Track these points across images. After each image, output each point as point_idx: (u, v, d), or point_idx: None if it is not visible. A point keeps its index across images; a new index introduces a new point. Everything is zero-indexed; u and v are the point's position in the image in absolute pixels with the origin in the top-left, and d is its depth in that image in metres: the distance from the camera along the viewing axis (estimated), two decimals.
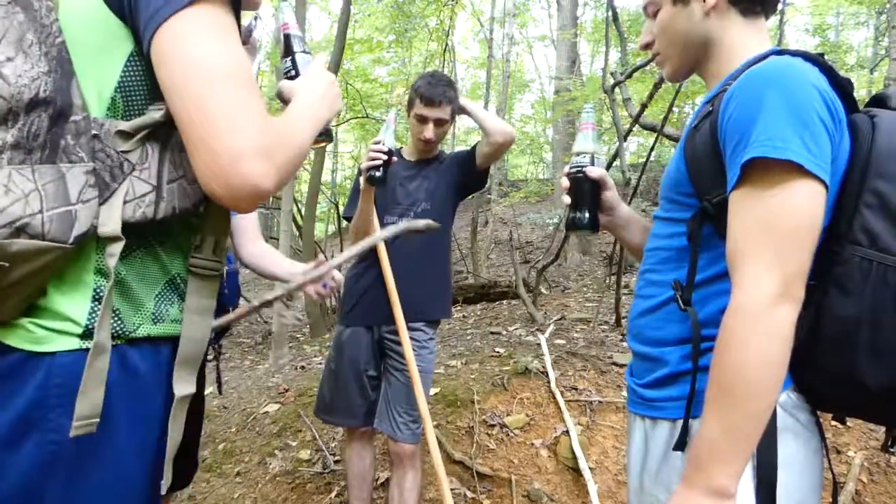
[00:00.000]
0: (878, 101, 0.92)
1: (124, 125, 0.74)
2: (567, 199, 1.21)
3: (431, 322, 2.14)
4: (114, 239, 0.72)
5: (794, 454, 0.85)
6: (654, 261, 1.03)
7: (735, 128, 0.83)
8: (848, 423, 2.64)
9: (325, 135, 0.99)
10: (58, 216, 0.67)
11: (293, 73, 1.03)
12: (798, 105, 0.79)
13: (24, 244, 0.65)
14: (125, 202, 0.73)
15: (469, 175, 2.18)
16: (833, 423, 2.61)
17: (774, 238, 0.79)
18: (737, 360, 0.78)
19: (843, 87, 0.86)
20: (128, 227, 0.73)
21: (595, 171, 1.17)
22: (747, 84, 0.85)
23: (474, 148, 2.17)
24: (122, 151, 0.74)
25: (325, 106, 0.92)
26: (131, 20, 0.73)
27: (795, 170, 0.78)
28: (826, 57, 0.89)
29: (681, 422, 0.90)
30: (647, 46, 1.10)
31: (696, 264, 0.92)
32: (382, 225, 2.08)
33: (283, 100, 0.95)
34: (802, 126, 0.78)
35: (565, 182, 1.21)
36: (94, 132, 0.72)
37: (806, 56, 0.86)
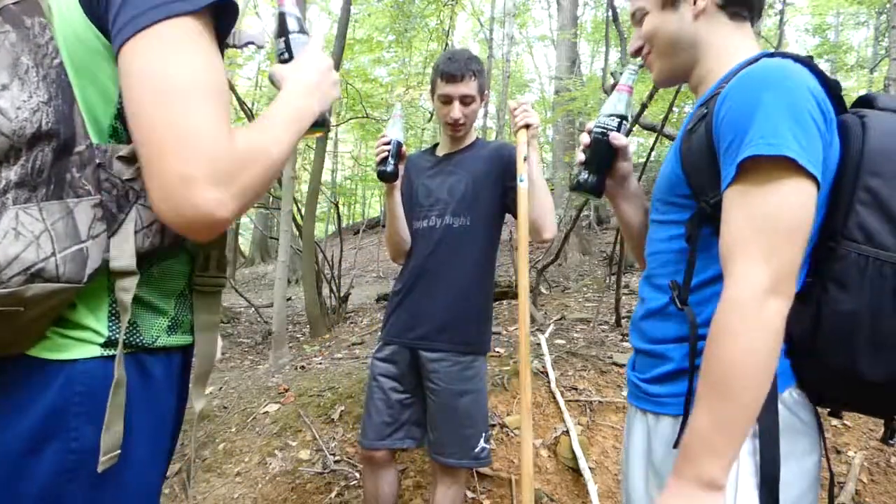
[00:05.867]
0: (865, 102, 0.93)
1: (124, 150, 0.70)
2: (581, 157, 1.18)
3: (469, 351, 1.86)
4: (127, 273, 0.70)
5: (794, 451, 0.86)
6: (656, 265, 1.04)
7: (729, 128, 0.84)
8: (848, 424, 2.64)
9: (321, 124, 0.90)
10: (71, 256, 0.65)
11: (286, 55, 0.94)
12: (792, 105, 0.81)
13: (39, 288, 0.63)
14: (135, 232, 0.71)
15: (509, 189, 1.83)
16: (833, 423, 2.61)
17: (766, 234, 0.80)
18: (727, 352, 0.79)
19: (832, 89, 0.87)
20: (138, 255, 0.71)
21: (620, 140, 1.15)
22: (741, 85, 0.86)
23: (514, 187, 1.71)
24: (127, 180, 0.70)
25: (316, 98, 0.84)
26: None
27: (789, 167, 0.79)
28: (826, 57, 0.90)
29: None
30: (637, 53, 1.10)
31: (693, 265, 0.93)
32: (412, 234, 1.90)
33: (276, 86, 0.88)
34: (797, 125, 0.80)
35: (585, 139, 1.18)
36: (98, 161, 0.68)
37: (796, 58, 0.88)
